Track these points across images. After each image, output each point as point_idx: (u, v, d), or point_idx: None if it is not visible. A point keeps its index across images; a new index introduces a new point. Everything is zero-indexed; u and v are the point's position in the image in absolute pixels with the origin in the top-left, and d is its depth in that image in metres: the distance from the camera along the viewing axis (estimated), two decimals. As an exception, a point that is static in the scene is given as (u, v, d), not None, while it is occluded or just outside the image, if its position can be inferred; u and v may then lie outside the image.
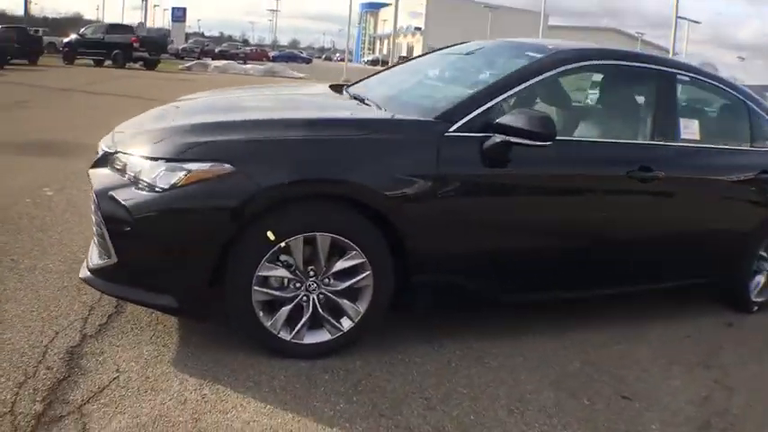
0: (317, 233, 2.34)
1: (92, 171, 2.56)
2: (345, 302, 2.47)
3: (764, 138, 3.62)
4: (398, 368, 2.52)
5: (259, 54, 47.41)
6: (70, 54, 24.41)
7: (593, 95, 3.56)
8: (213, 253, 2.27)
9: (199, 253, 2.28)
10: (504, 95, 2.69)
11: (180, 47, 41.22)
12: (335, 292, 2.44)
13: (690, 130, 3.22)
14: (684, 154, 3.21)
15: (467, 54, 3.64)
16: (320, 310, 2.44)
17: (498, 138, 2.51)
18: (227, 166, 2.26)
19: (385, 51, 77.81)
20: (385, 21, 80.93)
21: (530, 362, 2.73)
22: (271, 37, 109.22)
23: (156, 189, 2.27)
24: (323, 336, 2.48)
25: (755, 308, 3.67)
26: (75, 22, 36.90)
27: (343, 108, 3.13)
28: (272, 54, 52.92)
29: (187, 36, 59.63)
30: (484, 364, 2.66)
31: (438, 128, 2.54)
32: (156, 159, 2.32)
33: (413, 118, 2.63)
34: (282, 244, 2.32)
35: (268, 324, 2.40)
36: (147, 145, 2.41)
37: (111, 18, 78.71)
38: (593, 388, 2.59)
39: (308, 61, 55.40)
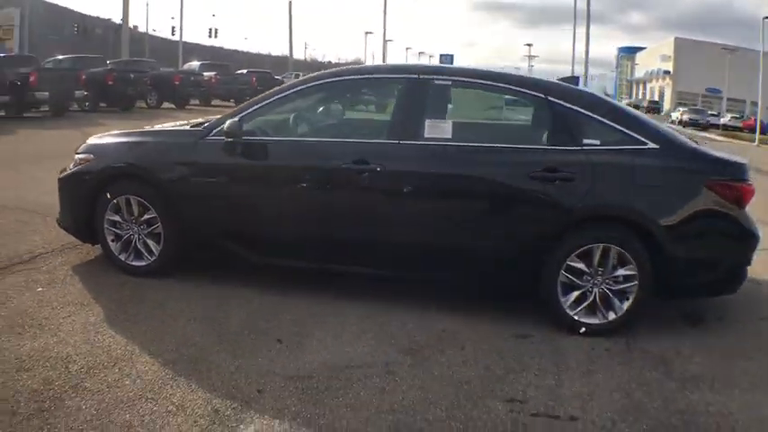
0: (131, 196, 3.98)
1: None
2: (151, 242, 4.02)
3: (579, 135, 3.57)
4: (172, 287, 3.90)
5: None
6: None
7: (335, 108, 4.37)
8: (86, 203, 4.08)
9: (81, 203, 4.12)
10: (249, 110, 3.92)
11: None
12: (145, 234, 4.01)
13: (438, 129, 3.66)
14: (419, 152, 3.67)
15: None
16: (138, 245, 4.04)
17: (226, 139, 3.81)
18: (91, 156, 4.11)
19: (640, 95, 75.34)
20: (637, 65, 75.72)
21: (264, 305, 3.70)
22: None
23: (71, 168, 4.24)
24: (142, 262, 4.07)
25: (582, 329, 3.48)
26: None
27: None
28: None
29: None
30: (220, 288, 3.88)
31: (199, 134, 3.97)
32: (77, 153, 4.29)
33: (186, 129, 4.11)
34: (114, 201, 4.01)
35: (113, 248, 4.09)
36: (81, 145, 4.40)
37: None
38: (261, 329, 3.37)
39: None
